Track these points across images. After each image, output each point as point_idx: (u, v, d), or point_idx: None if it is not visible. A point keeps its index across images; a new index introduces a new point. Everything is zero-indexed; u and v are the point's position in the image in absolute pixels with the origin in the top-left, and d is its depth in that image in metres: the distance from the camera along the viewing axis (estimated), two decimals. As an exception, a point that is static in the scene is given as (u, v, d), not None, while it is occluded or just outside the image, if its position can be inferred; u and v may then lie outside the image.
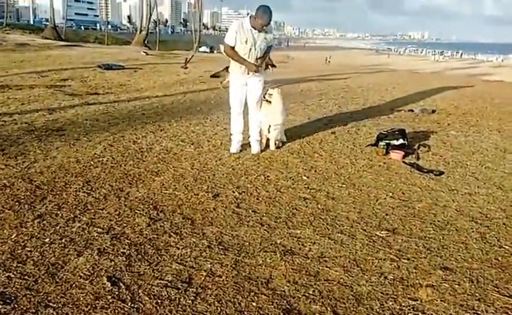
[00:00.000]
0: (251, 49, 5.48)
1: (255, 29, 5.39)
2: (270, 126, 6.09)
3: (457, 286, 3.10)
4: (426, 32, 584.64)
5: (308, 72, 14.81)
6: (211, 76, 13.81)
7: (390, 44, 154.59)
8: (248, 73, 5.66)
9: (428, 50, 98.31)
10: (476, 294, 3.02)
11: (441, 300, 2.93)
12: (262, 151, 6.09)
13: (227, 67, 13.70)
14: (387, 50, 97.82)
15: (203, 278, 3.09)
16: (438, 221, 4.19)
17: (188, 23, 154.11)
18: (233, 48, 5.51)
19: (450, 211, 4.43)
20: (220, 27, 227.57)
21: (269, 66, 13.86)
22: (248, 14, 5.48)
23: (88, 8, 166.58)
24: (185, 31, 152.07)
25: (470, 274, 3.27)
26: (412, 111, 9.80)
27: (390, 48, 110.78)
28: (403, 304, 2.89)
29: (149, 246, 3.49)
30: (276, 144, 6.26)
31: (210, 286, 3.01)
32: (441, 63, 60.29)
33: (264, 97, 5.92)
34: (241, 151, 6.03)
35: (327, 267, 3.31)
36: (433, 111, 9.79)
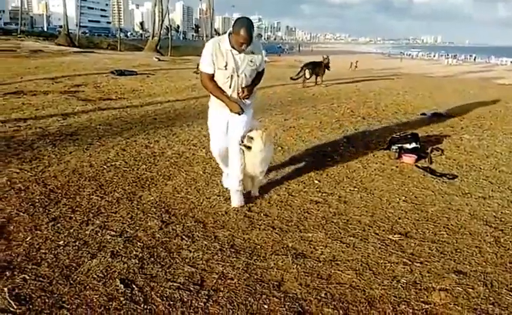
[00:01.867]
0: (232, 76, 4.10)
1: (236, 49, 4.03)
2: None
3: (470, 290, 3.08)
4: (439, 36, 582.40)
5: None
6: (291, 78, 14.24)
7: (403, 49, 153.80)
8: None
9: (441, 53, 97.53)
10: (491, 298, 2.99)
11: (454, 304, 2.91)
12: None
13: (303, 68, 14.09)
14: (400, 55, 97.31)
15: (214, 281, 3.11)
16: (452, 225, 4.16)
17: (199, 29, 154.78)
18: (213, 77, 4.15)
19: (464, 215, 4.39)
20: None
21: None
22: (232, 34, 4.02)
23: (102, 15, 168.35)
24: (197, 37, 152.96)
25: (484, 278, 3.24)
26: (425, 114, 9.74)
27: (403, 53, 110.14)
28: (416, 308, 2.87)
29: (161, 249, 3.52)
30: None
31: (222, 288, 3.02)
32: (454, 67, 59.72)
33: (242, 141, 4.32)
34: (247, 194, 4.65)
35: (339, 270, 3.30)
36: (446, 115, 9.71)
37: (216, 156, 4.68)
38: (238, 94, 4.18)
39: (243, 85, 4.17)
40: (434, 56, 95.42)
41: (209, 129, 4.54)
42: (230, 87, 4.16)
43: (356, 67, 36.98)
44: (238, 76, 4.12)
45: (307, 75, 14.10)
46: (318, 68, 14.50)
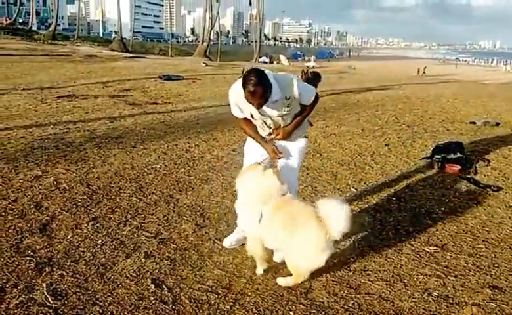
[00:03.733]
0: (264, 122, 3.43)
1: None
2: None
3: (505, 306, 2.97)
4: (498, 41, 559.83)
5: (367, 83, 14.64)
6: None
7: (459, 54, 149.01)
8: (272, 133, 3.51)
9: (500, 59, 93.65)
10: (526, 316, 2.87)
11: (486, 320, 2.82)
12: None
13: None
14: (455, 60, 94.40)
15: (243, 285, 3.15)
16: (492, 238, 4.02)
17: (249, 34, 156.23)
18: (245, 118, 3.48)
19: (506, 228, 4.23)
20: (281, 38, 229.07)
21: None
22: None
23: (154, 21, 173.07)
24: (246, 42, 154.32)
25: (521, 295, 3.11)
26: (474, 123, 9.42)
27: (458, 58, 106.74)
28: (445, 322, 2.80)
29: (193, 251, 3.60)
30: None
31: (249, 293, 3.06)
32: (512, 74, 57.21)
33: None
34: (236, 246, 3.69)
35: (369, 280, 3.26)
36: (497, 124, 9.35)
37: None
38: (273, 147, 3.43)
39: (282, 125, 3.43)
40: (492, 62, 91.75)
41: (245, 155, 3.81)
42: (264, 131, 3.50)
43: (424, 72, 36.84)
44: (271, 121, 3.40)
45: None
46: None
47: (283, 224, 3.05)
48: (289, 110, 3.34)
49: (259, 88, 3.03)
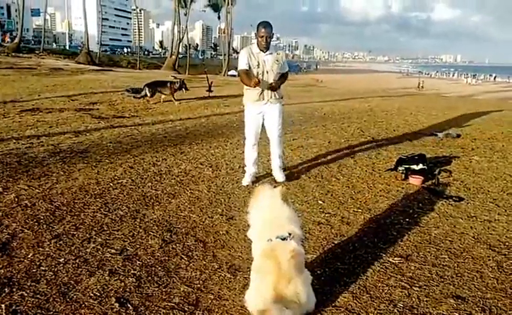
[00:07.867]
0: (263, 73, 5.41)
1: (262, 51, 5.38)
2: None
3: (467, 315, 3.03)
4: (459, 55, 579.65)
5: (334, 96, 14.82)
6: (134, 97, 13.76)
7: (422, 68, 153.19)
8: (263, 98, 5.51)
9: (461, 73, 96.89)
10: (487, 325, 2.94)
11: (449, 330, 2.87)
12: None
13: (144, 87, 13.41)
14: (418, 74, 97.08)
15: (210, 301, 3.12)
16: (454, 248, 4.11)
17: (218, 48, 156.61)
18: (247, 72, 5.41)
19: (467, 238, 4.33)
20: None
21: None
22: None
23: (123, 34, 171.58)
24: (215, 55, 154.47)
25: (483, 304, 3.19)
26: (436, 135, 9.65)
27: (421, 72, 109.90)
28: (409, 333, 2.84)
29: (159, 268, 3.55)
30: None
31: (216, 309, 3.03)
32: (473, 86, 59.21)
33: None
34: (253, 183, 5.66)
35: (336, 293, 3.28)
36: (458, 136, 9.61)
37: (250, 147, 5.72)
38: (270, 84, 5.40)
39: (273, 78, 5.44)
40: (453, 75, 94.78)
41: (246, 122, 5.72)
42: (262, 80, 5.39)
43: (422, 87, 46.92)
44: (267, 72, 5.42)
45: (148, 94, 13.40)
46: (160, 87, 13.85)
47: None
48: (278, 64, 5.49)
49: (269, 26, 5.30)
